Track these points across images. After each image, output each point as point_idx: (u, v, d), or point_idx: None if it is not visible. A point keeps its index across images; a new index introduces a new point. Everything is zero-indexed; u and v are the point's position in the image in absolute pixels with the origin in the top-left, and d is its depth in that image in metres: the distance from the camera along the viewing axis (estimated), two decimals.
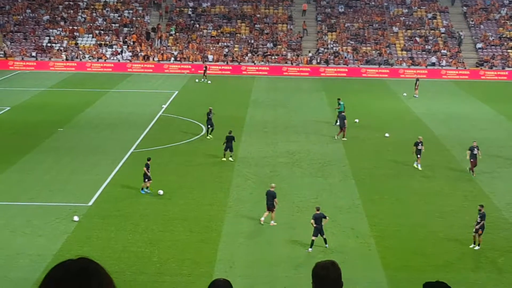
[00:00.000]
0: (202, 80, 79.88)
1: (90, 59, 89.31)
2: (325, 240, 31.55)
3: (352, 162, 46.36)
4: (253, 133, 54.10)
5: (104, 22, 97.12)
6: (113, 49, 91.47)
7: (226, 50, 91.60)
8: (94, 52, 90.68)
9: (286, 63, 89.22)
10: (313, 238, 31.23)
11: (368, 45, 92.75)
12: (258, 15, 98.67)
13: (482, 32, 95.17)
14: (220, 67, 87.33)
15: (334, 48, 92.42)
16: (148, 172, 38.99)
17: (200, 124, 56.13)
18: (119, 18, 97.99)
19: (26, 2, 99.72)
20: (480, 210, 32.34)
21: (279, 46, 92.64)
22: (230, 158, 45.91)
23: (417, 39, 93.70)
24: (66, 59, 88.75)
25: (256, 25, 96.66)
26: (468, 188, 41.52)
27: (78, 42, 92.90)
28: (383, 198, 39.14)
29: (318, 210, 31.80)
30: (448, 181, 42.71)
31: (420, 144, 44.87)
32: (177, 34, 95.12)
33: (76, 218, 34.76)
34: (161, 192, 38.72)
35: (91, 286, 3.69)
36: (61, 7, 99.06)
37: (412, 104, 67.41)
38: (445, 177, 43.62)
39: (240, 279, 28.11)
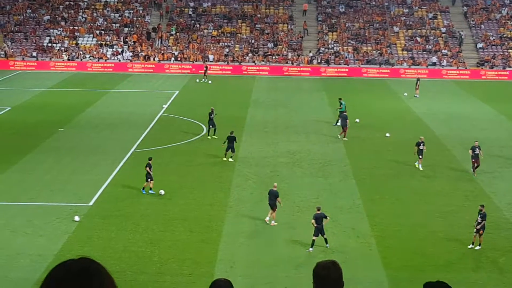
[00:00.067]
0: (203, 80, 79.88)
1: (90, 59, 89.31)
2: (325, 240, 31.56)
3: (353, 162, 46.36)
4: (254, 133, 54.09)
5: (105, 22, 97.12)
6: (114, 49, 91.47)
7: (227, 50, 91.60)
8: (95, 52, 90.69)
9: (286, 63, 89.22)
10: (314, 238, 31.23)
11: (368, 45, 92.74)
12: (259, 15, 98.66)
13: (483, 32, 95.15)
14: (220, 67, 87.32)
15: (335, 48, 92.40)
16: (151, 171, 38.95)
17: (200, 124, 56.12)
18: (119, 18, 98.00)
19: (26, 2, 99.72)
20: (480, 210, 32.33)
21: (279, 46, 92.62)
22: (231, 159, 45.88)
23: (418, 39, 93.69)
24: (69, 59, 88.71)
25: (256, 25, 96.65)
26: (469, 188, 41.52)
27: (78, 42, 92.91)
28: (384, 198, 39.14)
29: (318, 210, 31.81)
30: (448, 181, 42.71)
31: (421, 144, 44.88)
32: (178, 34, 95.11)
33: (76, 218, 34.77)
34: (162, 192, 38.73)
35: (93, 286, 3.69)
36: (61, 7, 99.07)
37: (412, 104, 67.40)
38: (446, 177, 43.62)
39: (240, 279, 28.11)
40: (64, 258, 3.78)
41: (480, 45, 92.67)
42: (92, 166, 44.66)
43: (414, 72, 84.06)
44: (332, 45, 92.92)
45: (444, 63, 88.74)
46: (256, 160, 46.50)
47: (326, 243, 31.58)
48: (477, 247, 32.02)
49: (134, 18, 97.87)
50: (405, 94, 72.35)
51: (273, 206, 34.66)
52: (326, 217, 31.51)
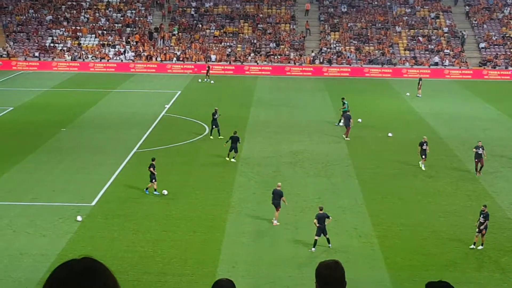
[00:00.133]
0: (205, 80, 79.89)
1: (93, 59, 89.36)
2: (328, 240, 31.55)
3: (355, 162, 46.35)
4: (256, 133, 54.08)
5: (107, 22, 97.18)
6: (116, 49, 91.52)
7: (229, 50, 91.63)
8: (97, 52, 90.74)
9: (289, 63, 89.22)
10: (316, 237, 31.23)
11: (371, 44, 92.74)
12: (261, 15, 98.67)
13: (485, 32, 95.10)
14: (223, 67, 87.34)
15: (337, 48, 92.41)
16: (155, 172, 38.92)
17: (203, 124, 56.13)
18: (122, 18, 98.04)
19: (29, 2, 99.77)
20: (483, 211, 32.29)
21: (282, 46, 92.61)
22: (233, 159, 45.83)
23: (420, 38, 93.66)
24: (72, 59, 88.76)
25: (258, 25, 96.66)
26: (471, 187, 41.50)
27: (81, 42, 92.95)
28: (386, 198, 39.13)
29: (321, 210, 31.81)
30: (451, 181, 42.68)
31: (425, 144, 44.83)
32: (180, 34, 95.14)
33: (79, 218, 34.79)
34: (165, 192, 38.73)
35: (96, 286, 3.69)
36: (64, 7, 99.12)
37: (415, 104, 67.36)
38: (448, 176, 43.59)
39: (243, 279, 28.12)
40: (66, 258, 3.78)
41: (482, 44, 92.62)
42: (95, 166, 44.68)
43: (416, 72, 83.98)
44: (334, 45, 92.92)
45: (447, 63, 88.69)
46: (259, 160, 46.49)
47: (329, 243, 31.58)
48: (480, 247, 32.00)
49: (136, 18, 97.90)
50: (408, 94, 72.31)
51: (277, 206, 34.65)
52: (328, 217, 31.52)
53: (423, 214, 36.59)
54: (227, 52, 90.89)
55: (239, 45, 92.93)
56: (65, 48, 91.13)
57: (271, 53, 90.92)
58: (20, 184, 40.76)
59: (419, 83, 72.27)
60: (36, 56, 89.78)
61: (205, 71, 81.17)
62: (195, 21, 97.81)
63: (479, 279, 29.12)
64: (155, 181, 38.81)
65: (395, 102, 69.03)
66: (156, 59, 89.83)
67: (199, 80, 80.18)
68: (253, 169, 44.55)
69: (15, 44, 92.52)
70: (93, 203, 37.40)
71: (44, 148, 48.96)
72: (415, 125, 57.79)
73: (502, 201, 39.10)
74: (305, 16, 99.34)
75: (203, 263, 29.94)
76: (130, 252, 31.00)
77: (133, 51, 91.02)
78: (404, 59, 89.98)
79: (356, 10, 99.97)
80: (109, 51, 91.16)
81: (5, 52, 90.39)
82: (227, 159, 45.90)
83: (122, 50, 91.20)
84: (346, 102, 56.99)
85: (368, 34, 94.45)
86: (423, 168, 44.66)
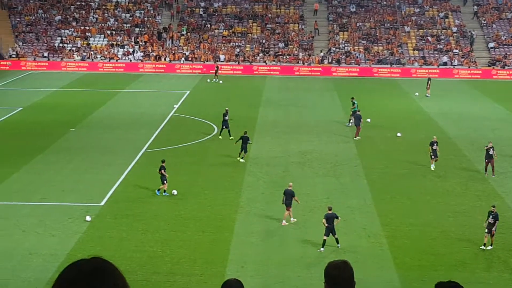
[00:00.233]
0: (214, 80, 79.92)
1: (102, 59, 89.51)
2: (337, 240, 31.52)
3: (364, 162, 46.29)
4: (265, 133, 54.07)
5: (116, 23, 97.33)
6: (125, 49, 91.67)
7: (238, 50, 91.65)
8: (106, 52, 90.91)
9: (297, 63, 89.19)
10: (325, 237, 31.21)
11: (379, 44, 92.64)
12: (270, 15, 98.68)
13: (494, 32, 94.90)
14: (231, 67, 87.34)
15: (346, 47, 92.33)
16: (165, 173, 38.86)
17: (211, 124, 56.16)
18: (130, 18, 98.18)
19: (38, 2, 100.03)
20: (492, 211, 32.18)
21: (290, 46, 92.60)
22: (242, 159, 45.79)
23: (429, 38, 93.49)
24: (81, 59, 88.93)
25: (267, 25, 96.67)
26: (480, 188, 41.39)
27: (90, 42, 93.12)
28: (395, 198, 39.07)
29: (330, 209, 31.77)
30: (460, 181, 42.58)
31: (435, 144, 44.73)
32: (189, 34, 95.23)
33: (88, 218, 34.85)
34: (175, 192, 38.73)
35: (105, 286, 3.69)
36: (73, 7, 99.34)
37: (424, 104, 67.25)
38: (458, 176, 43.49)
39: (251, 278, 28.13)
40: (75, 258, 3.78)
41: (491, 44, 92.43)
42: (104, 166, 44.74)
43: (425, 72, 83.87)
44: (343, 45, 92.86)
45: (455, 62, 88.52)
46: (267, 160, 46.48)
47: (337, 243, 31.55)
48: (489, 247, 31.91)
49: (145, 18, 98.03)
50: (416, 93, 72.18)
51: (288, 206, 34.61)
52: (337, 217, 31.47)
53: (432, 214, 36.52)
54: (236, 52, 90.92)
55: (247, 45, 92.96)
56: (74, 48, 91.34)
57: (280, 53, 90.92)
58: (29, 184, 40.86)
59: (428, 83, 72.14)
60: (45, 56, 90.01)
61: (214, 71, 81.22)
62: (203, 21, 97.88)
63: (488, 279, 29.06)
64: (166, 182, 38.77)
65: (404, 102, 68.92)
66: (165, 59, 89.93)
67: (208, 80, 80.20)
68: (262, 169, 44.54)
69: (24, 44, 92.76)
70: (102, 203, 37.46)
71: (53, 148, 49.05)
72: (424, 125, 57.70)
73: (511, 201, 38.99)
74: (314, 16, 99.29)
75: (212, 263, 29.95)
76: (139, 252, 31.03)
77: (142, 51, 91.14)
78: (413, 59, 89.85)
79: (365, 10, 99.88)
80: (118, 51, 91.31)
81: (14, 52, 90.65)
82: (238, 159, 45.86)
83: (131, 50, 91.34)
84: (355, 102, 56.93)
85: (377, 34, 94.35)
86: (431, 168, 44.55)
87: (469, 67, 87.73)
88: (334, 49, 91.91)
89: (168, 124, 57.31)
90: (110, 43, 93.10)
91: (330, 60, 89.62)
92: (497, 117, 61.86)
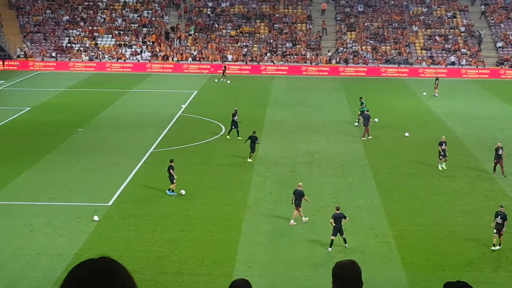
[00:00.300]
0: (221, 80, 79.95)
1: (109, 59, 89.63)
2: (344, 240, 31.49)
3: (372, 162, 46.26)
4: (272, 133, 54.06)
5: (124, 23, 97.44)
6: (133, 49, 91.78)
7: (245, 50, 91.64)
8: (114, 52, 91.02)
9: (305, 62, 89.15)
10: (333, 237, 31.19)
11: (387, 44, 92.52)
12: (277, 15, 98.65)
13: (503, 31, 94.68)
14: (239, 67, 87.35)
15: (354, 47, 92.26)
16: (174, 173, 38.86)
17: (219, 124, 56.19)
18: (138, 18, 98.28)
19: (46, 2, 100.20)
20: (500, 211, 32.11)
21: (298, 46, 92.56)
22: (250, 159, 45.79)
23: (437, 38, 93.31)
24: (89, 59, 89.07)
25: (275, 25, 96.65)
26: (488, 187, 41.31)
27: (97, 42, 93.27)
28: (403, 198, 39.02)
29: (338, 209, 31.74)
30: (468, 181, 42.50)
31: (444, 144, 44.65)
32: (196, 34, 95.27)
33: (96, 218, 34.90)
34: (183, 192, 38.74)
35: (113, 286, 3.70)
36: (80, 7, 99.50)
37: (432, 104, 67.14)
38: (466, 176, 43.41)
39: (259, 278, 28.13)
40: (83, 257, 3.80)
41: (499, 44, 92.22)
42: (111, 166, 44.81)
43: (433, 72, 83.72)
44: (351, 45, 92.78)
45: (463, 62, 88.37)
46: (275, 160, 46.47)
47: (345, 243, 31.53)
48: (497, 247, 31.85)
49: (153, 18, 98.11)
50: (424, 93, 72.06)
51: (298, 206, 34.58)
52: (345, 217, 31.44)
53: (440, 214, 36.47)
54: (244, 52, 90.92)
55: (255, 45, 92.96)
56: (82, 48, 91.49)
57: (288, 53, 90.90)
58: (37, 184, 40.96)
59: (435, 82, 72.00)
60: (53, 57, 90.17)
61: (222, 71, 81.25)
62: (211, 21, 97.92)
63: (496, 279, 29.00)
64: (175, 181, 38.78)
65: (411, 102, 68.83)
66: (172, 59, 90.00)
67: (216, 80, 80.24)
68: (270, 168, 44.54)
69: (32, 44, 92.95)
70: (110, 203, 37.52)
71: (61, 148, 49.13)
72: (432, 124, 57.61)
73: None
74: (322, 16, 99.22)
75: (219, 263, 29.96)
76: (146, 252, 31.07)
77: (149, 51, 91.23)
78: (420, 58, 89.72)
79: (373, 10, 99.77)
80: (126, 51, 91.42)
81: (22, 53, 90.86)
82: (249, 160, 45.76)
83: (138, 50, 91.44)
84: (364, 102, 56.89)
85: (385, 34, 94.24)
86: (439, 168, 44.48)
87: (477, 66, 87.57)
88: (341, 49, 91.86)
89: (175, 124, 57.35)
90: (118, 43, 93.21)
91: (337, 60, 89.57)
92: (505, 116, 61.72)
